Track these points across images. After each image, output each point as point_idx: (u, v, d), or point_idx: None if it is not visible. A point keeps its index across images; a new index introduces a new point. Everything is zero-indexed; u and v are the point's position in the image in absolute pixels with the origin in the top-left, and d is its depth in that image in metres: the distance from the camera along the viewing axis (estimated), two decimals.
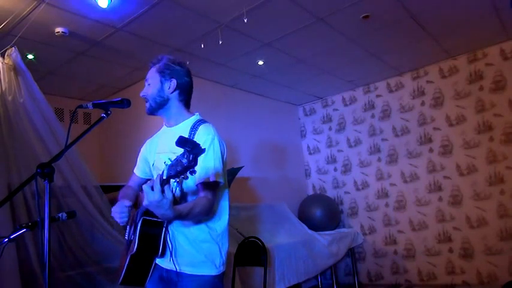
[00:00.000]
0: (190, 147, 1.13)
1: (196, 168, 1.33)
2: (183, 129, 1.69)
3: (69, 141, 1.54)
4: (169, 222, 1.59)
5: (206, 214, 1.56)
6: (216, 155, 1.61)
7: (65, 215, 1.83)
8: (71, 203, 2.84)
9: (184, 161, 1.14)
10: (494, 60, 4.14)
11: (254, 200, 4.53)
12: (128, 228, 1.78)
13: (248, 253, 3.08)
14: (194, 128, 1.64)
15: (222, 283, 1.66)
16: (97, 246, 2.92)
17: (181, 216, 1.43)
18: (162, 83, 1.69)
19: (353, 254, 4.81)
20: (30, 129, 2.72)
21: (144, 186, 1.31)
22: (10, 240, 1.60)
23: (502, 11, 3.33)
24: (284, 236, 4.05)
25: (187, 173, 1.18)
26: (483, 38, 3.94)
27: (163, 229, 1.57)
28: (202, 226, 1.62)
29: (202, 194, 1.54)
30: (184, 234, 1.61)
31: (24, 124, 2.70)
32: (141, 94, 1.74)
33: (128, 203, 1.64)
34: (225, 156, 1.68)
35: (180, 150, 1.26)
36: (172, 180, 1.28)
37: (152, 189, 1.28)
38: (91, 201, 2.94)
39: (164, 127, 1.82)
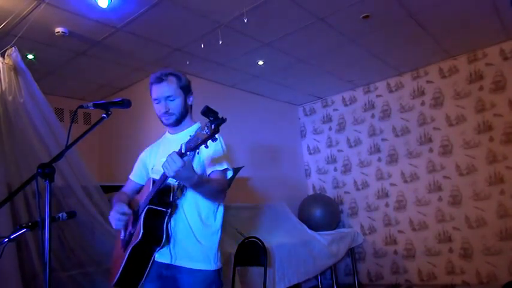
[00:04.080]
0: (213, 116, 1.26)
1: (206, 159, 1.69)
2: (186, 135, 1.78)
3: (70, 141, 1.54)
4: (176, 204, 1.68)
5: (222, 191, 1.69)
6: (223, 148, 1.78)
7: (65, 215, 1.83)
8: (71, 203, 2.83)
9: (206, 131, 1.27)
10: (494, 60, 4.14)
11: (254, 200, 4.53)
12: (122, 231, 1.82)
13: (248, 253, 3.08)
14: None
15: (220, 278, 1.74)
16: (97, 247, 2.92)
17: (202, 180, 1.57)
18: (185, 97, 1.85)
19: (353, 254, 4.81)
20: (30, 129, 2.72)
21: (163, 164, 1.42)
22: (10, 240, 1.60)
23: (502, 11, 3.33)
24: (284, 236, 4.05)
25: (209, 141, 1.31)
26: (483, 38, 3.94)
27: (166, 218, 1.64)
28: (199, 223, 1.71)
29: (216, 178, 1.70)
30: (184, 229, 1.69)
31: (24, 124, 2.70)
32: (163, 111, 1.80)
33: (128, 210, 1.70)
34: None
35: None
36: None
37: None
38: (91, 201, 2.93)
39: (167, 134, 1.95)
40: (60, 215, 1.82)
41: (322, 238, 4.21)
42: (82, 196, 2.88)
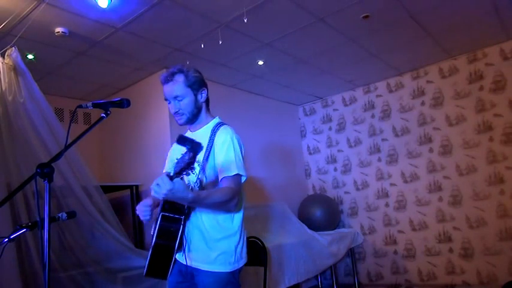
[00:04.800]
0: (189, 145, 1.26)
1: (217, 164, 1.68)
2: (204, 132, 1.81)
3: (69, 141, 1.54)
4: (190, 209, 1.69)
5: (228, 201, 1.64)
6: (236, 152, 1.75)
7: (65, 215, 1.83)
8: (71, 203, 2.84)
9: (186, 158, 1.27)
10: (494, 60, 4.14)
11: (254, 200, 4.53)
12: (153, 225, 1.86)
13: (248, 253, 3.08)
14: (214, 131, 1.79)
15: (236, 278, 1.76)
16: (97, 247, 2.92)
17: (200, 198, 1.54)
18: (195, 95, 1.82)
19: (353, 254, 4.81)
20: (30, 129, 2.72)
21: (152, 185, 1.42)
22: (10, 240, 1.60)
23: (502, 11, 3.33)
24: (284, 236, 4.05)
25: (189, 169, 1.33)
26: (483, 38, 3.94)
27: (181, 225, 1.65)
28: (216, 226, 1.71)
29: (225, 185, 1.67)
30: (200, 232, 1.71)
31: (24, 124, 2.70)
32: (174, 111, 1.81)
33: (149, 201, 1.72)
34: (243, 154, 1.82)
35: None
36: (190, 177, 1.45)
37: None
38: (91, 201, 2.94)
39: (188, 132, 1.94)
40: (60, 215, 1.82)
41: (322, 238, 4.21)
42: (82, 196, 2.89)
